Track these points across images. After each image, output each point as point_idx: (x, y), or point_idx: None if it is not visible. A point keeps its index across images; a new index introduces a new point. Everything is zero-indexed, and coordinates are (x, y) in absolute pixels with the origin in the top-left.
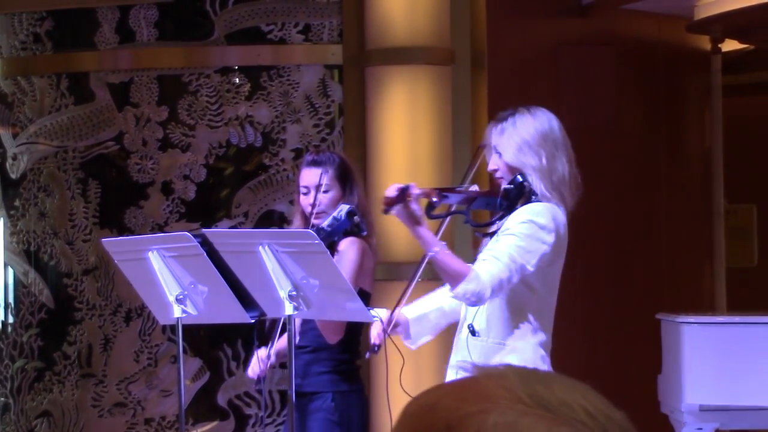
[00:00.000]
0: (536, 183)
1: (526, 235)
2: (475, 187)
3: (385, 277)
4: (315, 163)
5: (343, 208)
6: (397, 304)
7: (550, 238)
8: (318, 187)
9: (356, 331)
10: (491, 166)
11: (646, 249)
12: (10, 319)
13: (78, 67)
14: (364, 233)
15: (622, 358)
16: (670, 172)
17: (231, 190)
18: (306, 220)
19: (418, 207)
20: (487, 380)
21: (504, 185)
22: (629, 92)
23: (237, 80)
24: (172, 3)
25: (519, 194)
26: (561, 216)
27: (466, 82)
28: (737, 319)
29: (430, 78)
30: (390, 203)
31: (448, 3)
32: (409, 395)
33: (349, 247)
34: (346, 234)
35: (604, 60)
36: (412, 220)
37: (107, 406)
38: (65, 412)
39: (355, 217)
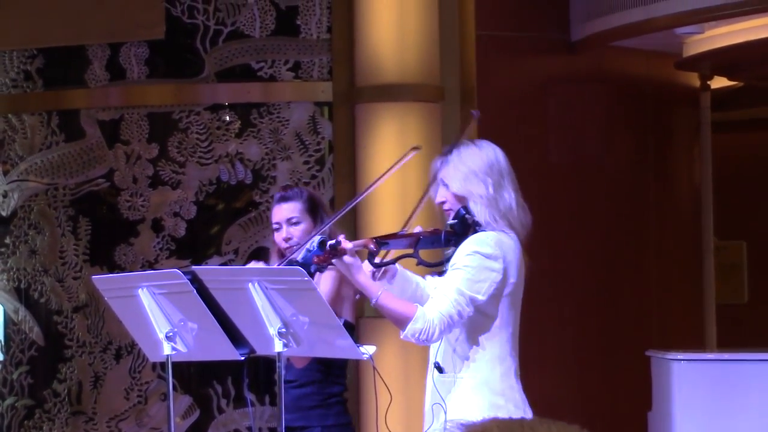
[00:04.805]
0: (482, 211)
1: (473, 266)
2: (418, 229)
3: (375, 314)
4: (284, 199)
5: (315, 239)
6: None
7: (498, 265)
8: (289, 220)
9: (342, 363)
10: (439, 199)
11: (636, 285)
12: (0, 357)
13: (68, 104)
14: None
15: (613, 394)
16: (659, 209)
17: (221, 227)
18: (282, 256)
19: (356, 259)
20: None
21: (449, 221)
22: (618, 129)
23: (227, 117)
24: (162, 40)
25: (464, 228)
26: (508, 241)
27: (456, 119)
28: (727, 356)
29: (420, 115)
30: (321, 261)
31: (438, 40)
32: None
33: (324, 276)
34: None
35: (593, 97)
36: (351, 272)
37: None
38: None
39: (328, 246)
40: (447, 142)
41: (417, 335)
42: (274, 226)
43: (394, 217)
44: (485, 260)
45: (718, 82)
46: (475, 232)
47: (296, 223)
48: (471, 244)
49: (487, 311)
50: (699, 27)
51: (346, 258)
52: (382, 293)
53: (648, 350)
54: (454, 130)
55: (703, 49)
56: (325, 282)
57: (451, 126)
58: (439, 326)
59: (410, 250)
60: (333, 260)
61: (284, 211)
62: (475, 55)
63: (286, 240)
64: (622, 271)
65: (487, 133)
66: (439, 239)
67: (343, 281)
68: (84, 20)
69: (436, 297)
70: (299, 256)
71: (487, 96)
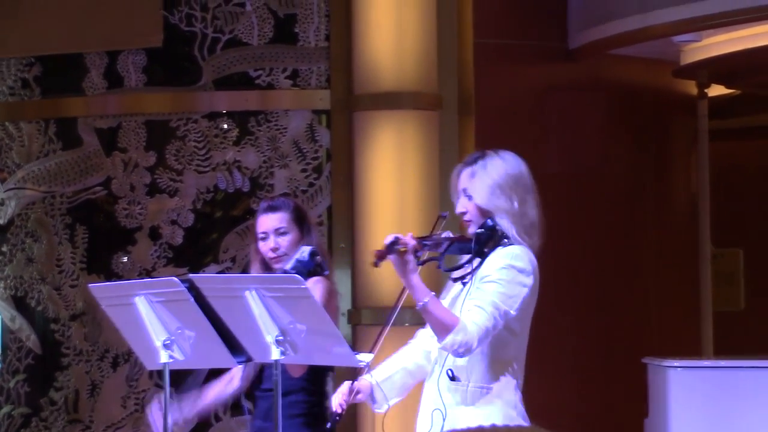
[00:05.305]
0: (508, 226)
1: (507, 280)
2: (448, 233)
3: (371, 321)
4: (271, 209)
5: (305, 249)
6: (359, 374)
7: (529, 281)
8: (277, 230)
9: (324, 372)
10: (459, 209)
11: (633, 293)
12: None
13: (66, 112)
14: (326, 272)
15: (610, 401)
16: (657, 217)
17: (219, 235)
18: (265, 266)
19: (412, 258)
20: None
21: (476, 229)
22: (616, 136)
23: (225, 125)
24: (160, 48)
25: (490, 238)
26: (534, 258)
27: (454, 127)
28: (724, 363)
29: (418, 123)
30: (380, 256)
31: (436, 48)
32: None
33: (315, 287)
34: (310, 274)
35: (591, 104)
36: (406, 271)
37: None
38: None
39: (317, 257)
40: (445, 150)
41: (456, 347)
42: (260, 235)
43: (393, 222)
44: (518, 275)
45: (716, 90)
46: (500, 244)
47: (284, 233)
48: (504, 257)
49: (511, 325)
50: (697, 35)
51: (408, 256)
52: (431, 299)
53: (645, 357)
54: (452, 138)
55: (701, 57)
56: (317, 291)
57: (448, 134)
58: (477, 339)
59: (437, 254)
60: (389, 257)
61: (272, 221)
62: (474, 62)
63: (273, 250)
64: (619, 278)
65: (486, 141)
66: (470, 246)
67: (332, 292)
68: (82, 28)
69: (472, 309)
70: (289, 265)
71: (485, 104)
